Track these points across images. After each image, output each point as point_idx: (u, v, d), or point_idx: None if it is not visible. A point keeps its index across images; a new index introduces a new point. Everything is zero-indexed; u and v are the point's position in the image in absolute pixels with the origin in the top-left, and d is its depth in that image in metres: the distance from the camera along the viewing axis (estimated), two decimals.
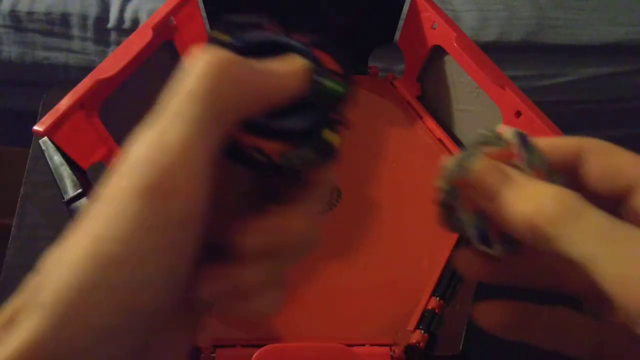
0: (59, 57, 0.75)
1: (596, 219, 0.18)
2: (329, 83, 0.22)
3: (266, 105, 0.20)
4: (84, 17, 0.74)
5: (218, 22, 0.21)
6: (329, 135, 0.22)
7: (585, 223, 0.18)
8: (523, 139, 0.22)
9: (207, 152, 0.18)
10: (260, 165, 0.21)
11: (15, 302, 0.18)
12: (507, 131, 0.22)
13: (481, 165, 0.21)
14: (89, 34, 0.74)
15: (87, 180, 0.47)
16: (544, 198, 0.19)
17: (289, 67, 0.21)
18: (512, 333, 0.24)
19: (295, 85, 0.21)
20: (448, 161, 0.22)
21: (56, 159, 0.45)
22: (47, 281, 0.17)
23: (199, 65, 0.19)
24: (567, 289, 0.24)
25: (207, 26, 0.63)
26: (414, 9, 0.60)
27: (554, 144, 0.23)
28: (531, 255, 0.23)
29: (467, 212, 0.22)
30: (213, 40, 0.21)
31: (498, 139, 0.22)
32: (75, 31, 0.74)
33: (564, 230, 0.18)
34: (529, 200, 0.19)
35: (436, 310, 0.49)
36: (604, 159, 0.22)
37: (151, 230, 0.17)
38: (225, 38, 0.21)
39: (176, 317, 0.21)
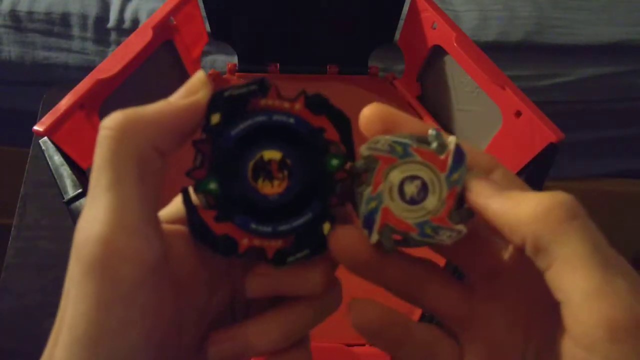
0: (59, 57, 0.75)
1: (595, 230, 0.18)
2: (331, 159, 0.22)
3: (176, 130, 0.20)
4: (84, 17, 0.74)
5: (214, 102, 0.21)
6: (327, 228, 0.22)
7: (587, 229, 0.18)
8: (459, 154, 0.21)
9: (142, 209, 0.19)
10: (254, 260, 0.22)
11: None
12: (451, 139, 0.22)
13: (483, 177, 0.21)
14: (89, 34, 0.74)
15: (87, 180, 0.46)
16: (551, 195, 0.19)
17: (184, 88, 0.21)
18: (380, 343, 0.23)
19: (195, 98, 0.21)
20: (384, 135, 0.22)
21: (56, 159, 0.45)
22: None
23: (102, 135, 0.19)
24: (424, 305, 0.23)
25: (207, 26, 0.63)
26: (414, 9, 0.61)
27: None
28: (401, 262, 0.22)
29: (370, 189, 0.21)
30: (206, 127, 0.21)
31: (438, 141, 0.22)
32: (75, 31, 0.74)
33: (567, 227, 0.18)
34: (533, 197, 0.19)
35: None
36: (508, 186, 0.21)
37: (110, 305, 0.18)
38: (215, 119, 0.21)
39: None
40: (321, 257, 0.22)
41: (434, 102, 0.64)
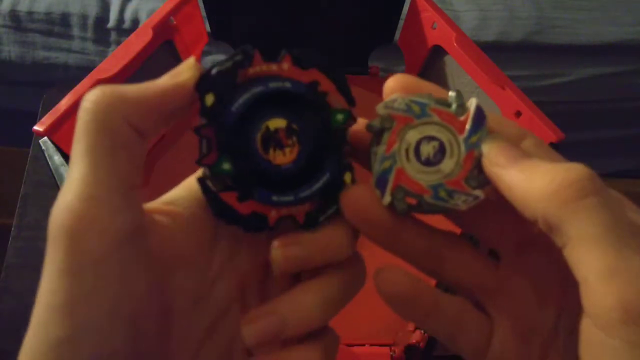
0: (59, 57, 0.75)
1: (616, 206, 0.18)
2: (334, 114, 0.21)
3: (157, 114, 0.20)
4: (84, 17, 0.74)
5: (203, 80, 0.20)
6: (348, 177, 0.21)
7: (607, 205, 0.17)
8: (479, 116, 0.21)
9: (110, 181, 0.18)
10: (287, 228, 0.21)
11: None
12: (472, 102, 0.21)
13: (502, 140, 0.20)
14: (89, 34, 0.74)
15: None
16: (572, 167, 0.18)
17: (172, 78, 0.20)
18: (409, 311, 0.22)
19: (178, 91, 0.20)
20: (401, 95, 0.21)
21: (56, 159, 0.45)
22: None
23: (81, 109, 0.19)
24: (441, 278, 0.23)
25: (207, 26, 0.63)
26: (414, 9, 0.60)
27: (495, 119, 0.21)
28: (417, 228, 0.22)
29: (384, 148, 0.21)
30: (203, 110, 0.20)
31: (458, 102, 0.21)
32: (75, 31, 0.74)
33: (585, 203, 0.17)
34: (552, 168, 0.18)
35: None
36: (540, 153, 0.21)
37: (75, 274, 0.18)
38: (210, 100, 0.20)
39: None
40: (343, 221, 0.21)
41: None
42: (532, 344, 0.21)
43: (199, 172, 0.21)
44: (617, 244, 0.17)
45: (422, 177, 0.21)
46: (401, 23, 0.64)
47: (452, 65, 0.58)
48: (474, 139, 0.21)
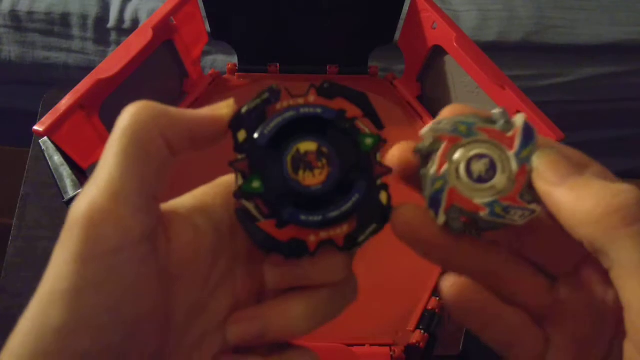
0: (59, 57, 0.75)
1: None
2: (364, 138, 0.22)
3: (190, 132, 0.21)
4: (84, 17, 0.74)
5: (235, 120, 0.22)
6: (384, 197, 0.22)
7: None
8: (528, 131, 0.21)
9: (137, 183, 0.19)
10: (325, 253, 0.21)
11: None
12: (519, 117, 0.21)
13: (555, 156, 0.20)
14: (89, 34, 0.74)
15: (87, 180, 0.46)
16: (620, 190, 0.18)
17: (211, 110, 0.22)
18: (469, 319, 0.22)
19: (213, 120, 0.21)
20: (448, 116, 0.21)
21: (56, 159, 0.45)
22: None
23: (123, 116, 0.20)
24: (502, 291, 0.23)
25: (207, 26, 0.63)
26: (414, 9, 0.61)
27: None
28: (472, 248, 0.22)
29: (435, 169, 0.21)
30: (237, 147, 0.21)
31: (504, 119, 0.21)
32: (75, 31, 0.74)
33: (629, 231, 0.17)
34: (601, 189, 0.18)
35: (436, 310, 0.49)
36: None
37: (86, 262, 0.18)
38: (242, 136, 0.21)
39: None
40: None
41: (434, 102, 0.64)
42: None
43: (210, 183, 0.23)
44: None
45: (476, 195, 0.21)
46: (401, 23, 0.64)
47: (452, 65, 0.58)
48: (524, 153, 0.21)
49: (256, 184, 0.21)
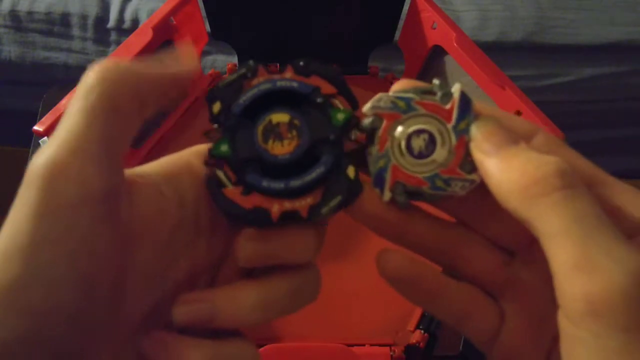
0: (59, 57, 0.75)
1: (585, 201, 0.18)
2: (336, 113, 0.22)
3: (159, 93, 0.21)
4: (84, 17, 0.74)
5: (210, 93, 0.22)
6: (352, 171, 0.22)
7: (574, 201, 0.18)
8: (464, 102, 0.21)
9: (100, 139, 0.19)
10: (290, 224, 0.21)
11: None
12: (455, 87, 0.21)
13: (492, 126, 0.20)
14: (89, 34, 0.74)
15: None
16: (544, 161, 0.18)
17: (179, 66, 0.22)
18: (414, 294, 0.23)
19: (184, 74, 0.21)
20: (387, 93, 0.22)
21: None
22: None
23: (88, 74, 0.20)
24: (451, 267, 0.23)
25: (207, 26, 0.63)
26: (414, 9, 0.61)
27: (505, 117, 0.21)
28: (422, 219, 0.22)
29: (377, 147, 0.21)
30: (212, 118, 0.22)
31: (442, 91, 0.21)
32: (75, 31, 0.74)
33: (551, 199, 0.18)
34: (525, 161, 0.19)
35: None
36: (553, 151, 0.21)
37: (44, 217, 0.18)
38: (217, 108, 0.22)
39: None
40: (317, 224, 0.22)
41: None
42: (542, 337, 0.22)
43: (179, 152, 0.22)
44: (582, 239, 0.17)
45: (418, 170, 0.21)
46: (401, 23, 0.64)
47: (452, 65, 0.58)
48: (462, 125, 0.21)
49: (224, 147, 0.21)
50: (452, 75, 0.59)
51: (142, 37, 0.52)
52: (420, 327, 0.49)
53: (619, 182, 0.20)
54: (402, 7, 0.62)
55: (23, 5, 0.74)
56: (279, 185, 0.21)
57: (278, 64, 0.23)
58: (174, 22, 0.57)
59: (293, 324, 0.49)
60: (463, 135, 0.21)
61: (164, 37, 0.57)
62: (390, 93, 0.22)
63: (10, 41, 0.75)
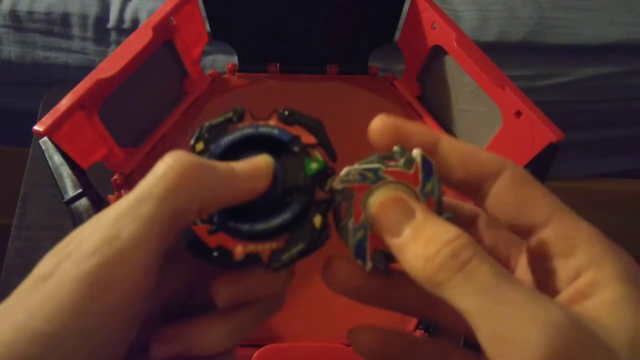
0: (59, 57, 0.75)
1: (482, 274, 0.18)
2: (309, 163, 0.23)
3: (227, 204, 0.21)
4: (84, 17, 0.74)
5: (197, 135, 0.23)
6: (318, 221, 0.22)
7: (472, 278, 0.18)
8: (426, 165, 0.22)
9: (155, 249, 0.19)
10: (252, 267, 0.22)
11: None
12: (416, 152, 0.22)
13: (387, 196, 0.21)
14: (89, 34, 0.74)
15: (87, 180, 0.47)
16: (438, 244, 0.19)
17: (251, 167, 0.22)
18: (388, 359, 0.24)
19: (257, 185, 0.22)
20: (352, 165, 0.22)
21: (56, 159, 0.45)
22: None
23: (160, 167, 0.20)
24: (440, 321, 0.24)
25: (207, 26, 0.63)
26: (414, 9, 0.61)
27: (471, 157, 0.22)
28: (403, 281, 0.22)
29: (353, 220, 0.22)
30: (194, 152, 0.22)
31: (404, 157, 0.22)
32: (75, 31, 0.74)
33: (453, 282, 0.18)
34: (424, 245, 0.19)
35: None
36: (515, 191, 0.21)
37: (82, 315, 0.18)
38: (199, 147, 0.23)
39: None
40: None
41: (434, 102, 0.64)
42: None
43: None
44: (491, 314, 0.18)
45: None
46: (401, 23, 0.64)
47: (452, 65, 0.58)
48: (428, 187, 0.22)
49: None
50: (452, 75, 0.59)
51: (142, 37, 0.52)
52: (420, 327, 0.49)
53: (573, 218, 0.21)
54: (402, 7, 0.62)
55: (23, 5, 0.74)
56: (244, 227, 0.21)
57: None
58: (174, 22, 0.57)
59: (293, 324, 0.49)
60: (430, 196, 0.22)
61: (164, 37, 0.57)
62: (356, 165, 0.22)
63: (10, 41, 0.75)
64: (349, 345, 0.46)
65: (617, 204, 0.91)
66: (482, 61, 0.53)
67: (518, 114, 0.50)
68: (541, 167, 0.48)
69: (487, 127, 0.54)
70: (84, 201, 0.43)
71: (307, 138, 0.23)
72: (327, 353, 0.45)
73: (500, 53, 0.72)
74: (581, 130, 0.83)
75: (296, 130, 0.23)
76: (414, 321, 0.49)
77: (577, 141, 0.84)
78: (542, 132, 0.48)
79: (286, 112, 0.23)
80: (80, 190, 0.43)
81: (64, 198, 0.44)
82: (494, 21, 0.75)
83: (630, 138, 0.85)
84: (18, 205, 0.60)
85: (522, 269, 0.23)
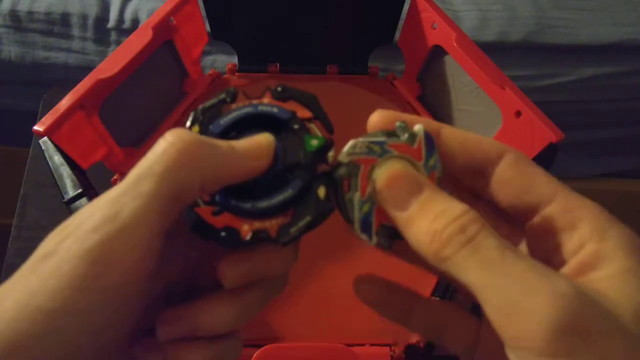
0: (59, 57, 0.75)
1: (488, 247, 0.18)
2: (310, 139, 0.22)
3: (228, 183, 0.21)
4: (84, 17, 0.74)
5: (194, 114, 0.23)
6: (322, 192, 0.22)
7: (478, 251, 0.18)
8: (429, 140, 0.22)
9: (157, 227, 0.19)
10: (260, 244, 0.22)
11: None
12: (418, 127, 0.22)
13: (395, 170, 0.21)
14: (89, 34, 0.74)
15: (87, 180, 0.47)
16: (446, 220, 0.19)
17: (252, 146, 0.22)
18: (389, 312, 0.24)
19: (258, 164, 0.21)
20: (358, 138, 0.22)
21: (56, 159, 0.45)
22: None
23: (161, 144, 0.20)
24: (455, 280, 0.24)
25: (207, 26, 0.63)
26: (414, 9, 0.61)
27: (472, 143, 0.22)
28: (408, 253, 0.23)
29: (359, 193, 0.22)
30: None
31: (407, 132, 0.22)
32: (75, 31, 0.74)
33: (459, 256, 0.18)
34: (432, 220, 0.19)
35: None
36: (518, 172, 0.22)
37: (83, 293, 0.18)
38: (195, 130, 0.22)
39: None
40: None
41: (434, 102, 0.64)
42: None
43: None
44: (497, 285, 0.18)
45: None
46: (401, 23, 0.63)
47: (452, 65, 0.58)
48: (431, 162, 0.22)
49: None
50: (452, 75, 0.59)
51: (142, 37, 0.52)
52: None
53: (575, 195, 0.21)
54: (402, 7, 0.62)
55: (23, 5, 0.74)
56: (246, 205, 0.21)
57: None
58: (174, 22, 0.57)
59: (293, 324, 0.49)
60: (433, 171, 0.22)
61: (164, 37, 0.57)
62: (361, 138, 0.22)
63: (10, 41, 0.75)
64: (349, 345, 0.47)
65: (617, 204, 0.91)
66: (482, 61, 0.53)
67: (518, 114, 0.50)
68: (541, 167, 0.48)
69: (487, 127, 0.54)
70: (84, 201, 0.43)
71: (303, 112, 0.23)
72: (327, 353, 0.45)
73: (500, 53, 0.72)
74: (581, 130, 0.83)
75: (290, 105, 0.23)
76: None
77: (577, 141, 0.84)
78: (542, 132, 0.48)
79: (279, 89, 0.23)
80: (80, 190, 0.44)
81: (64, 198, 0.44)
82: (494, 21, 0.75)
83: (630, 138, 0.85)
84: (18, 205, 0.60)
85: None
